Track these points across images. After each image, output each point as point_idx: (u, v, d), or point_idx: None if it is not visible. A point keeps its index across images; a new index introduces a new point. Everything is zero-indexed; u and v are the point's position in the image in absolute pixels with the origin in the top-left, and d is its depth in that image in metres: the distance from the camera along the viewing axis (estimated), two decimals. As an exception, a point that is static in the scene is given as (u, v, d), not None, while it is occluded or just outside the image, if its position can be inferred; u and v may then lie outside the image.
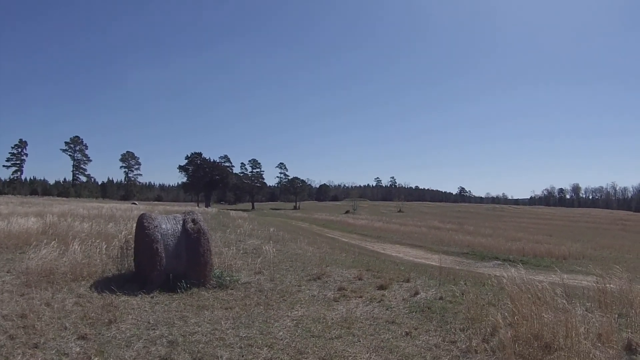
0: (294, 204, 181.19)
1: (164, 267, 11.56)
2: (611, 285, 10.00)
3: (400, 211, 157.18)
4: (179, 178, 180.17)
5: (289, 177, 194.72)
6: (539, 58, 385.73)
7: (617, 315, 8.68)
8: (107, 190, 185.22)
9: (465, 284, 12.20)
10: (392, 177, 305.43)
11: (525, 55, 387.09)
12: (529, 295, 8.64)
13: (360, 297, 11.37)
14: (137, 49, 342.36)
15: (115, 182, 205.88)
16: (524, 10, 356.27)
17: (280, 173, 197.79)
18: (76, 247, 13.77)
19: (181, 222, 12.61)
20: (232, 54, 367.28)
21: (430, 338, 8.28)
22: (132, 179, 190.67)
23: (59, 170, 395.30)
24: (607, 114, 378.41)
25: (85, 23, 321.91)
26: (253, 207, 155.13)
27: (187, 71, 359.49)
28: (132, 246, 13.52)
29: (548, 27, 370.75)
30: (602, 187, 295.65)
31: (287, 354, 7.49)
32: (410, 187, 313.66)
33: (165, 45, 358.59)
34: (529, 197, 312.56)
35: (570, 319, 7.36)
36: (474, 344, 7.70)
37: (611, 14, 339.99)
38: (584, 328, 7.38)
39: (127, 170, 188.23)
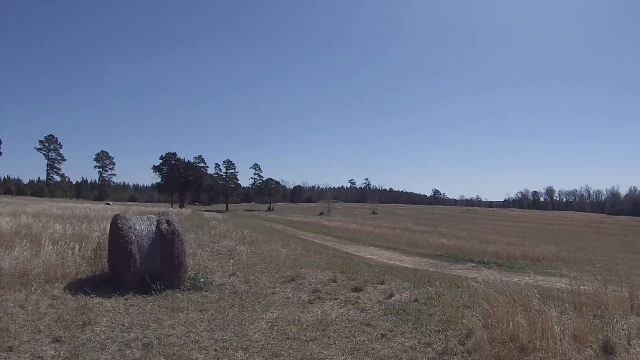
0: (268, 205, 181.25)
1: (138, 269, 11.50)
2: (585, 287, 10.07)
3: (374, 213, 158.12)
4: (153, 178, 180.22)
5: (263, 179, 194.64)
6: (513, 59, 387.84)
7: (592, 317, 8.73)
8: (81, 190, 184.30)
9: (440, 286, 12.18)
10: (366, 179, 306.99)
11: (499, 55, 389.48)
12: (504, 297, 8.67)
13: (335, 299, 11.36)
14: (111, 46, 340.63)
15: (89, 182, 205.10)
16: (500, 11, 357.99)
17: (255, 174, 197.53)
18: (50, 248, 13.67)
19: (155, 223, 12.55)
20: (206, 52, 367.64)
21: (406, 340, 8.28)
22: (106, 179, 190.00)
23: (33, 169, 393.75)
24: (581, 117, 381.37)
25: (61, 19, 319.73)
26: (227, 209, 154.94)
27: (161, 70, 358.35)
28: (106, 247, 13.43)
29: (523, 27, 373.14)
30: (576, 190, 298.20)
31: (263, 357, 7.47)
32: (385, 189, 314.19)
33: (140, 43, 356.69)
34: (503, 200, 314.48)
35: (546, 320, 7.40)
36: (450, 346, 7.70)
37: (593, 12, 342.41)
38: (560, 329, 7.41)
39: (101, 170, 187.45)
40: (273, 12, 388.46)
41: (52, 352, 7.32)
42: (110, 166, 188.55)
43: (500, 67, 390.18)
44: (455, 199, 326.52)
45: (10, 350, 7.25)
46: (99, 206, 62.61)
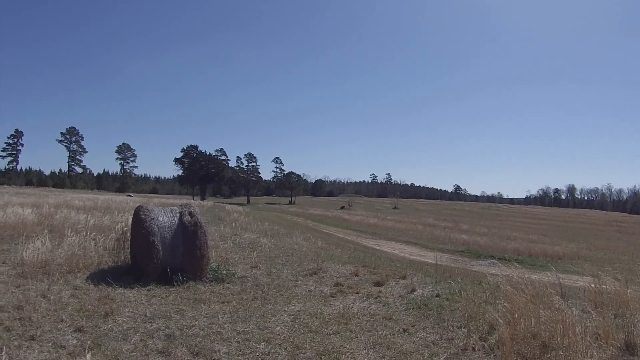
0: (290, 198, 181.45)
1: (161, 260, 11.53)
2: (606, 286, 9.99)
3: (395, 208, 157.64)
4: (174, 171, 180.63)
5: (285, 172, 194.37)
6: (536, 57, 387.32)
7: (613, 316, 8.66)
8: (102, 182, 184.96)
9: (461, 281, 12.16)
10: (388, 174, 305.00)
11: (523, 53, 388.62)
12: (526, 294, 8.62)
13: (357, 293, 11.37)
14: (134, 40, 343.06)
15: (110, 173, 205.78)
16: (521, 8, 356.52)
17: (276, 167, 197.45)
18: (72, 238, 13.71)
19: (178, 214, 12.58)
20: (229, 46, 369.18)
21: (428, 335, 8.27)
22: (128, 170, 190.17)
23: (54, 160, 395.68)
24: (604, 115, 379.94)
25: (82, 14, 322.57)
26: (248, 201, 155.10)
27: (184, 63, 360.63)
28: (129, 238, 13.51)
29: (546, 26, 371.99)
30: (597, 188, 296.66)
31: (285, 349, 7.47)
32: (406, 184, 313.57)
33: (162, 37, 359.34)
34: (524, 197, 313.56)
35: (568, 318, 7.34)
36: (472, 342, 7.68)
37: (610, 15, 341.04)
38: (582, 327, 7.37)
39: (122, 162, 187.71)
40: (295, 7, 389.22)
41: (75, 341, 7.34)
42: (132, 158, 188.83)
43: (524, 64, 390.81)
44: (476, 195, 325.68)
45: (32, 340, 7.28)
46: (120, 198, 62.88)
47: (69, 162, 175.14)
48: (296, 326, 8.70)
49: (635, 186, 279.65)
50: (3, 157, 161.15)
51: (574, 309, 8.70)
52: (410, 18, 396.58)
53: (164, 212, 12.55)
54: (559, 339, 7.08)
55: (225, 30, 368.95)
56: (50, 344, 7.18)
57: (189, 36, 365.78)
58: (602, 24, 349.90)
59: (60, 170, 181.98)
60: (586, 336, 7.15)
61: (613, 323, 7.99)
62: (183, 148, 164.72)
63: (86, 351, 6.80)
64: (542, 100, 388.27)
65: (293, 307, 10.05)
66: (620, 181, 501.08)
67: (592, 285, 10.28)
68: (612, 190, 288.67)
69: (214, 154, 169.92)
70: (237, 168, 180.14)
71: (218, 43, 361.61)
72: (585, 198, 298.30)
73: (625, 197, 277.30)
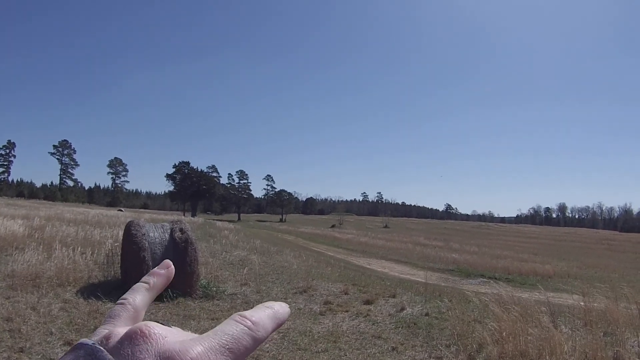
0: (280, 216, 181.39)
1: (151, 276, 11.49)
2: (596, 304, 10.04)
3: (386, 227, 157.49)
4: (166, 186, 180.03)
5: (276, 190, 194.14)
6: (528, 76, 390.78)
7: (602, 334, 8.71)
8: (93, 196, 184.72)
9: (450, 300, 12.20)
10: (379, 193, 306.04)
11: (513, 73, 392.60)
12: (515, 313, 8.66)
13: (347, 311, 11.38)
14: (128, 54, 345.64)
15: (102, 187, 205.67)
16: (514, 29, 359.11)
17: (267, 185, 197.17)
18: (62, 252, 13.73)
19: (169, 230, 12.59)
20: (222, 64, 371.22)
21: (417, 354, 8.28)
22: (119, 185, 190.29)
23: (46, 173, 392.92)
24: (595, 134, 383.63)
25: (78, 28, 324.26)
26: (239, 219, 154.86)
27: (178, 80, 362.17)
28: (119, 253, 13.47)
29: (538, 46, 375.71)
30: (588, 207, 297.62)
31: (274, 366, 7.47)
32: (397, 203, 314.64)
33: (156, 54, 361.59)
34: (515, 216, 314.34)
35: (556, 337, 7.39)
36: (461, 360, 7.70)
37: (602, 35, 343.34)
38: (570, 345, 7.40)
39: (114, 176, 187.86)
40: (288, 27, 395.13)
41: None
42: (124, 173, 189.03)
43: (516, 84, 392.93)
44: (467, 214, 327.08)
45: (21, 352, 7.29)
46: (111, 212, 62.85)
47: (60, 175, 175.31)
48: (285, 344, 8.69)
49: (626, 204, 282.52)
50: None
51: (563, 327, 8.78)
52: (403, 40, 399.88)
53: (155, 228, 12.55)
54: (547, 357, 7.12)
55: (219, 48, 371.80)
56: (39, 357, 7.18)
57: (184, 54, 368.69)
58: (595, 44, 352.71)
59: (51, 182, 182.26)
60: (575, 354, 7.19)
61: (602, 341, 8.03)
62: (175, 164, 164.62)
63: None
64: (533, 119, 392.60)
65: (282, 325, 10.00)
66: (611, 199, 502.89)
67: (582, 304, 10.33)
68: (603, 209, 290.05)
69: (205, 171, 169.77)
70: (229, 185, 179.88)
71: (212, 61, 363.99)
72: (576, 216, 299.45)
73: (616, 215, 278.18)
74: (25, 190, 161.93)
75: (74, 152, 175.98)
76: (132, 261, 11.68)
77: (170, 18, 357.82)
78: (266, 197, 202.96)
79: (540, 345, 7.41)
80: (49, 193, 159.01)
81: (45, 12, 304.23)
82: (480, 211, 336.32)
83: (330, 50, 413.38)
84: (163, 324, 0.65)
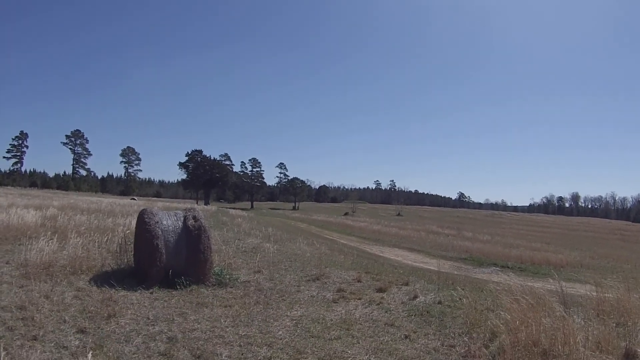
0: (293, 204, 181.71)
1: (164, 263, 11.54)
2: (609, 294, 9.99)
3: (399, 215, 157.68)
4: (178, 175, 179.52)
5: (289, 178, 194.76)
6: (539, 66, 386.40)
7: (614, 324, 8.66)
8: (106, 185, 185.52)
9: (463, 289, 12.13)
10: (392, 181, 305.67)
11: (526, 63, 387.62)
12: (528, 302, 8.62)
13: (359, 299, 11.36)
14: (140, 44, 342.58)
15: (115, 177, 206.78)
16: (524, 19, 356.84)
17: (280, 173, 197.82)
18: (76, 240, 13.78)
19: (182, 218, 12.60)
20: (235, 53, 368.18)
21: (429, 342, 8.27)
22: (132, 174, 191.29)
23: (59, 163, 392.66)
24: (608, 124, 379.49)
25: (89, 17, 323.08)
26: (252, 207, 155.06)
27: (189, 68, 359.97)
28: (132, 241, 13.50)
29: (548, 36, 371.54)
30: (601, 197, 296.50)
31: (287, 353, 7.49)
32: (410, 191, 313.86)
33: (168, 42, 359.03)
34: (528, 205, 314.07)
35: (569, 326, 7.35)
36: (474, 349, 7.68)
37: (613, 25, 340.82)
38: (583, 335, 7.36)
39: (127, 165, 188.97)
40: (301, 16, 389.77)
41: (77, 342, 7.37)
42: (136, 162, 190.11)
43: (529, 75, 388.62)
44: (480, 203, 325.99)
45: (35, 340, 7.30)
46: (124, 201, 63.08)
47: (73, 164, 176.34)
48: (298, 331, 8.71)
49: (639, 194, 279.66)
50: (7, 158, 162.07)
51: (575, 317, 8.69)
52: (416, 28, 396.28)
53: (168, 216, 12.56)
54: (559, 347, 7.08)
55: (232, 38, 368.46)
56: (52, 345, 7.20)
57: (196, 43, 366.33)
58: (606, 35, 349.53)
59: (64, 172, 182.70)
60: (587, 344, 7.16)
61: (614, 331, 7.99)
62: (187, 152, 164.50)
63: (88, 352, 6.82)
64: (546, 109, 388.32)
65: (295, 312, 10.05)
66: (624, 190, 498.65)
67: (594, 294, 10.28)
68: (616, 199, 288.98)
69: (218, 159, 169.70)
70: (242, 173, 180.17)
71: (224, 50, 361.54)
72: (589, 206, 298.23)
73: (629, 205, 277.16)
74: (38, 180, 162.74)
75: (87, 141, 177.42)
76: (146, 249, 11.70)
77: (181, 8, 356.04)
78: (279, 185, 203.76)
79: (552, 335, 7.38)
80: (62, 183, 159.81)
81: (57, 4, 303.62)
82: (493, 200, 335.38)
83: (344, 40, 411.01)
84: None
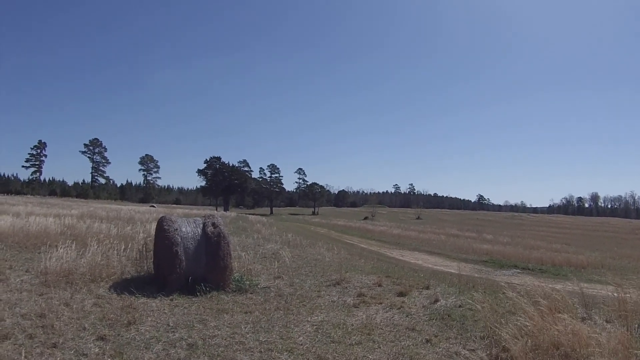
0: (313, 209, 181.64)
1: (184, 270, 11.59)
2: (630, 295, 9.88)
3: (418, 218, 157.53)
4: (197, 182, 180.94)
5: (308, 183, 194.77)
6: (558, 64, 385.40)
7: (637, 326, 8.57)
8: (125, 193, 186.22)
9: (484, 292, 12.08)
10: (411, 184, 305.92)
11: (544, 61, 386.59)
12: (549, 304, 8.56)
13: (380, 303, 11.34)
14: (156, 50, 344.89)
15: (133, 184, 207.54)
16: (540, 16, 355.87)
17: (299, 178, 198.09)
18: (95, 248, 13.81)
19: (201, 225, 12.61)
20: (251, 57, 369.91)
21: (451, 346, 8.25)
22: (151, 181, 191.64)
23: (77, 171, 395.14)
24: (626, 123, 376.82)
25: (106, 24, 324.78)
26: (271, 212, 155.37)
27: (207, 74, 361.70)
28: (151, 248, 13.55)
29: (566, 33, 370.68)
30: (621, 197, 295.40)
31: (307, 359, 7.45)
32: (429, 194, 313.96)
33: (185, 48, 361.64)
34: (547, 206, 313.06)
35: (590, 329, 7.33)
36: (495, 352, 7.65)
37: (629, 20, 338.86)
38: (604, 337, 7.28)
39: (145, 173, 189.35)
40: (316, 18, 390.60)
41: (97, 349, 7.40)
42: (155, 169, 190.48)
43: (547, 73, 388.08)
44: (499, 205, 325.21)
45: (54, 347, 7.34)
46: (143, 208, 63.34)
47: (92, 172, 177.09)
48: (319, 336, 8.70)
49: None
50: (27, 167, 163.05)
51: (596, 318, 8.69)
52: (432, 27, 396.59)
53: (187, 223, 12.59)
54: (580, 349, 7.02)
55: (248, 41, 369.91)
56: (72, 352, 7.23)
57: (212, 47, 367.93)
58: (626, 30, 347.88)
59: (83, 180, 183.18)
60: (608, 346, 7.07)
61: (637, 333, 7.91)
62: (206, 159, 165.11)
63: (108, 359, 6.81)
64: (566, 108, 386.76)
65: (316, 317, 10.03)
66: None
67: (616, 295, 10.18)
68: (636, 198, 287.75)
69: (237, 165, 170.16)
70: (260, 179, 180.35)
71: (241, 54, 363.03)
72: (609, 206, 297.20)
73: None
74: (57, 189, 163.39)
75: (105, 150, 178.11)
76: (165, 256, 11.74)
77: (196, 13, 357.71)
78: (298, 190, 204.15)
79: (573, 337, 7.31)
80: (81, 191, 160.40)
81: (72, 9, 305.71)
82: (512, 202, 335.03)
83: (360, 41, 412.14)
84: None
